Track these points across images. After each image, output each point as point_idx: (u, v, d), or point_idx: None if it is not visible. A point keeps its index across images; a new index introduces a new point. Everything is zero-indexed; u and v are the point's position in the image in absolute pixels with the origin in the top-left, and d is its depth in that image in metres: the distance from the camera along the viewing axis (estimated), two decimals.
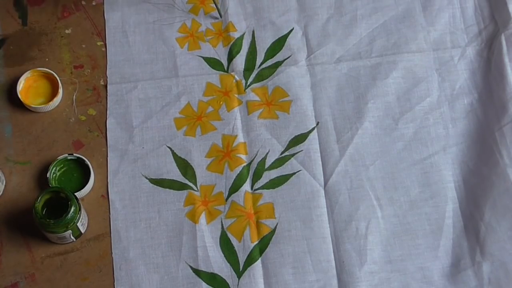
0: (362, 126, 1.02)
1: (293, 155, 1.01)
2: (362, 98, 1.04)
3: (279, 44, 1.08)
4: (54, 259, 0.95)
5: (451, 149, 1.02)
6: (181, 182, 0.99)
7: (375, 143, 1.02)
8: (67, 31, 1.07)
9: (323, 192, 0.99)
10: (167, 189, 0.99)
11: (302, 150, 1.01)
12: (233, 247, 0.96)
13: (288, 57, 1.07)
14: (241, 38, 1.08)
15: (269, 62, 1.07)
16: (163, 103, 1.03)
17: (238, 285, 0.94)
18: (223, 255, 0.96)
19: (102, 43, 1.07)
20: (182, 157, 1.01)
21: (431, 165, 1.01)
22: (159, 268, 0.95)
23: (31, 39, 1.06)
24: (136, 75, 1.05)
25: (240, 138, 1.02)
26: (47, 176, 0.96)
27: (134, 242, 0.96)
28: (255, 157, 1.01)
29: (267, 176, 1.00)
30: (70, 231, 0.91)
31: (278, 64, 1.06)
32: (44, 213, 0.91)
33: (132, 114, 1.03)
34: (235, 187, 0.99)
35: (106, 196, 0.98)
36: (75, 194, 0.93)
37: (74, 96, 1.03)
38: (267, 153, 1.01)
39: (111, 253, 0.95)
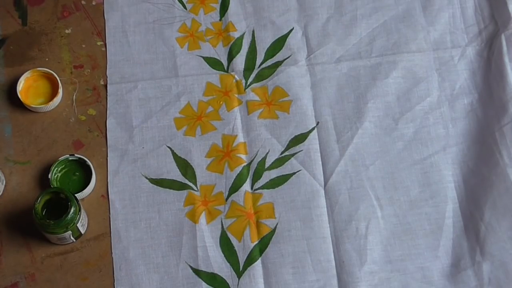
0: (362, 126, 1.02)
1: (293, 155, 1.01)
2: (362, 98, 1.04)
3: (279, 44, 1.08)
4: (54, 259, 0.95)
5: (451, 149, 1.02)
6: (181, 182, 0.99)
7: (375, 143, 1.02)
8: (67, 31, 1.07)
9: (323, 192, 0.99)
10: (167, 189, 0.99)
11: (302, 150, 1.01)
12: (233, 247, 0.96)
13: (288, 57, 1.07)
14: (241, 38, 1.08)
15: (269, 62, 1.07)
16: (163, 103, 1.04)
17: (238, 285, 0.94)
18: (223, 255, 0.96)
19: (102, 43, 1.07)
20: (182, 157, 1.01)
21: (431, 165, 1.01)
22: (159, 268, 0.95)
23: (31, 39, 1.06)
24: (136, 75, 1.05)
25: (240, 138, 1.02)
26: (49, 176, 0.96)
27: (134, 242, 0.96)
28: (255, 157, 1.01)
29: (267, 176, 1.00)
30: (70, 232, 0.91)
31: (278, 64, 1.06)
32: (44, 213, 0.91)
33: (132, 114, 1.03)
34: (235, 187, 0.99)
35: (106, 196, 0.98)
36: (77, 195, 0.93)
37: (74, 96, 1.03)
38: (267, 153, 1.01)
39: (111, 253, 0.95)
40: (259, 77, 1.06)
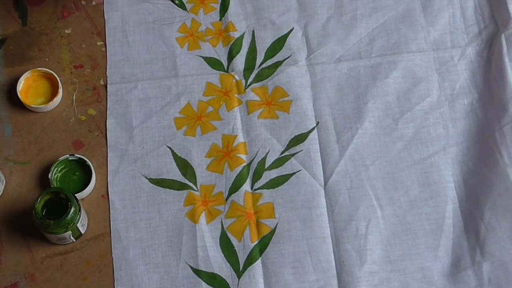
0: (362, 126, 1.02)
1: (293, 155, 1.01)
2: (362, 98, 1.04)
3: (279, 44, 1.08)
4: (54, 259, 0.95)
5: (451, 149, 1.02)
6: (181, 182, 0.99)
7: (375, 143, 1.02)
8: (67, 31, 1.07)
9: (323, 192, 0.99)
10: (167, 189, 0.99)
11: (302, 150, 1.01)
12: (233, 247, 0.96)
13: (288, 57, 1.07)
14: (241, 38, 1.08)
15: (269, 62, 1.07)
16: (163, 103, 1.04)
17: (238, 285, 0.94)
18: (223, 255, 0.96)
19: (102, 43, 1.07)
20: (182, 157, 1.01)
21: (431, 165, 1.01)
22: (159, 268, 0.95)
23: (31, 39, 1.06)
24: (136, 75, 1.05)
25: (240, 138, 1.02)
26: (49, 176, 0.96)
27: (134, 242, 0.96)
28: (255, 157, 1.01)
29: (267, 176, 1.00)
30: (70, 232, 0.91)
31: (278, 64, 1.06)
32: (44, 213, 0.91)
33: (132, 114, 1.03)
34: (235, 187, 0.99)
35: (106, 196, 0.98)
36: (77, 195, 0.93)
37: (74, 96, 1.03)
38: (267, 153, 1.01)
39: (111, 253, 0.95)
40: (259, 77, 1.06)
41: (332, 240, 0.97)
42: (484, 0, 1.10)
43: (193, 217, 0.97)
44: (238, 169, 1.00)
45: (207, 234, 0.97)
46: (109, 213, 0.97)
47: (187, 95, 1.04)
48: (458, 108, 1.04)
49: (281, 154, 1.01)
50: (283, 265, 0.95)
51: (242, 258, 0.96)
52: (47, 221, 0.88)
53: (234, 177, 1.00)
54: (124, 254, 0.95)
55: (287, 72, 1.06)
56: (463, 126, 1.03)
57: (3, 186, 0.97)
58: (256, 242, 0.96)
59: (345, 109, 1.04)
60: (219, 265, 0.95)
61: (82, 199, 0.97)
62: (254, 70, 1.06)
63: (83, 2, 1.09)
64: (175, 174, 1.00)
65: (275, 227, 0.97)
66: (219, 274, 0.95)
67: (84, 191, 0.96)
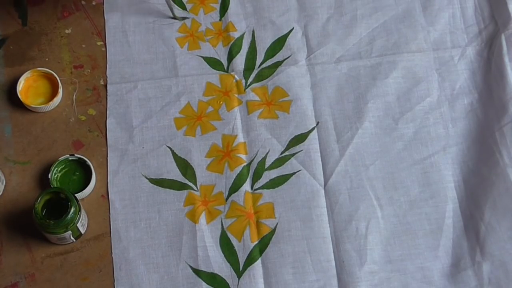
0: (362, 126, 1.03)
1: (293, 155, 1.01)
2: (362, 98, 1.04)
3: (279, 44, 1.08)
4: (54, 259, 0.95)
5: (451, 149, 1.02)
6: (181, 182, 0.99)
7: (375, 143, 1.02)
8: (67, 31, 1.07)
9: (323, 192, 0.99)
10: (167, 189, 0.99)
11: (302, 150, 1.01)
12: (233, 247, 0.96)
13: (288, 57, 1.07)
14: (241, 38, 1.08)
15: (269, 62, 1.07)
16: (163, 103, 1.04)
17: (238, 285, 0.94)
18: (223, 255, 0.96)
19: (102, 43, 1.07)
20: (182, 157, 1.01)
21: (431, 165, 1.01)
22: (159, 268, 0.95)
23: (31, 39, 1.06)
24: (136, 75, 1.05)
25: (240, 138, 1.02)
26: (49, 176, 0.96)
27: (134, 242, 0.96)
28: (255, 157, 1.01)
29: (267, 176, 1.00)
30: (70, 232, 0.91)
31: (278, 64, 1.06)
32: (44, 213, 0.91)
33: (132, 114, 1.03)
34: (235, 187, 0.99)
35: (106, 196, 0.98)
36: (77, 195, 0.93)
37: (74, 96, 1.03)
38: (267, 153, 1.01)
39: (111, 253, 0.95)
40: (259, 77, 1.06)
41: (332, 240, 0.97)
42: (484, 0, 1.10)
43: (193, 217, 0.97)
44: (238, 169, 1.00)
45: (207, 234, 0.97)
46: (109, 213, 0.97)
47: (187, 95, 1.04)
48: (458, 108, 1.04)
49: (281, 154, 1.01)
50: (283, 265, 0.95)
51: (242, 258, 0.96)
52: (47, 221, 0.88)
53: (234, 177, 1.00)
54: (124, 254, 0.95)
55: (287, 72, 1.06)
56: (463, 126, 1.03)
57: (3, 186, 0.97)
58: (256, 242, 0.97)
59: (345, 109, 1.04)
60: (219, 265, 0.95)
61: (82, 199, 0.97)
62: (254, 70, 1.06)
63: (83, 2, 1.09)
64: (175, 174, 1.00)
65: (275, 227, 0.97)
66: (219, 274, 0.95)
67: (84, 191, 0.96)
